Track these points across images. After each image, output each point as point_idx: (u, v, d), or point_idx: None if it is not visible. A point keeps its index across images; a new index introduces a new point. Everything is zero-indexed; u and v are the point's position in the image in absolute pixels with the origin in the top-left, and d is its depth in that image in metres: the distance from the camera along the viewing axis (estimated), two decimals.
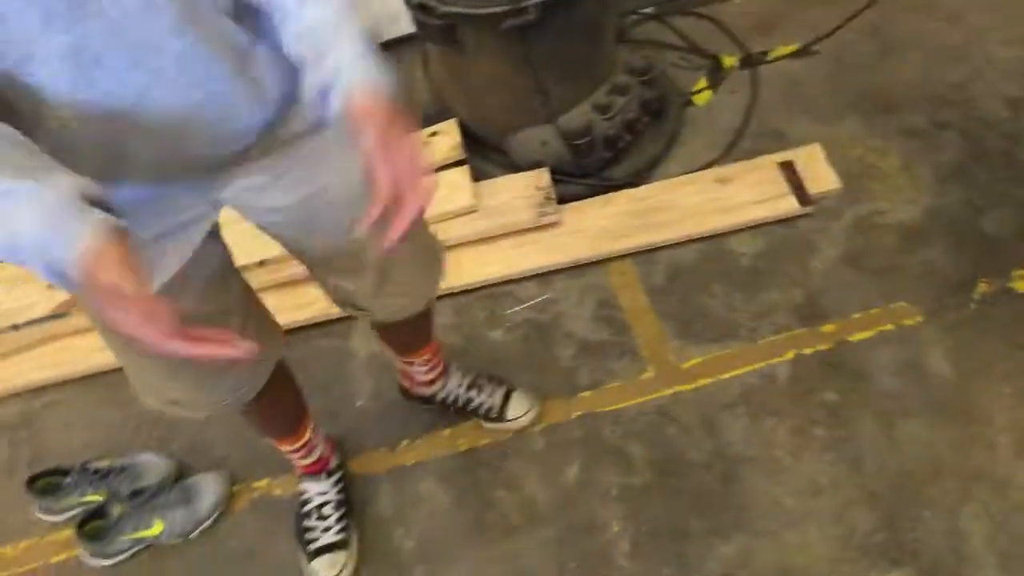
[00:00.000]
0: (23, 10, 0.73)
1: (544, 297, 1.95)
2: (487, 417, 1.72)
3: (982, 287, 1.78)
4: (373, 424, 1.81)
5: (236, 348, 0.75)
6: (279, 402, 1.45)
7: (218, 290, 1.13)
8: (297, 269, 1.52)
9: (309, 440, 1.58)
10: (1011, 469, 1.54)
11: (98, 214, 0.70)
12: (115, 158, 0.87)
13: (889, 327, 1.77)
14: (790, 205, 1.97)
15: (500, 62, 1.92)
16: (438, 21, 1.84)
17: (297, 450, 1.57)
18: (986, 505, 1.51)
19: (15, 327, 1.94)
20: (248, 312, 1.21)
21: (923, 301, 1.79)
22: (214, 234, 1.11)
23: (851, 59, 2.29)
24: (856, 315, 1.80)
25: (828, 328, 1.79)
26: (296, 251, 1.21)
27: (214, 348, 0.74)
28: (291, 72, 0.92)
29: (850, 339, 1.76)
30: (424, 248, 1.33)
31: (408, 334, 1.57)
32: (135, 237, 0.74)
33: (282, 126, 0.99)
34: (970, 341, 1.71)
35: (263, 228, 1.15)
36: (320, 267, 1.25)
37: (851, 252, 1.90)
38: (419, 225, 1.28)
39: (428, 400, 1.75)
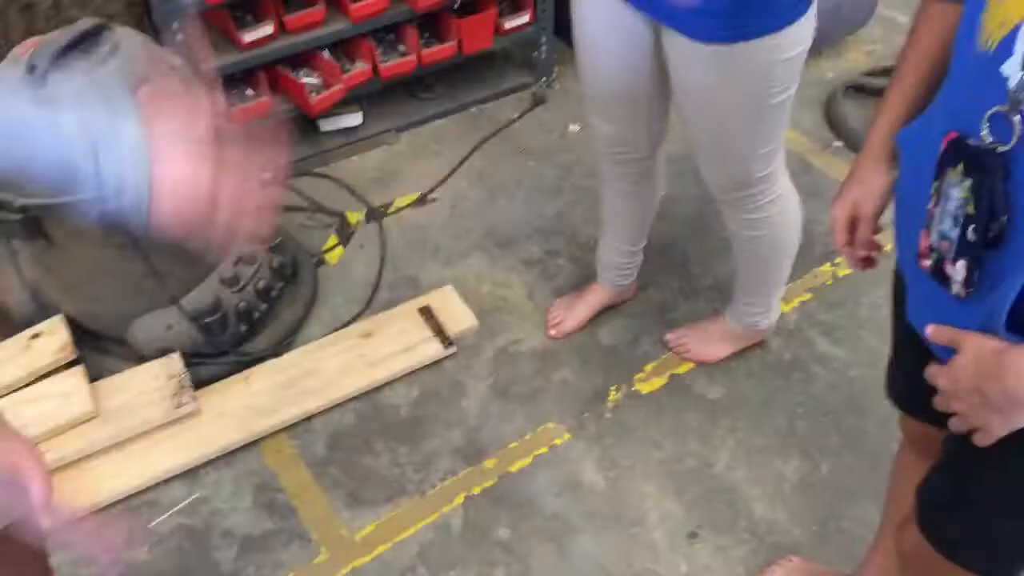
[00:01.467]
0: None
1: (193, 497, 1.76)
2: None
3: (613, 395, 1.95)
4: None
5: None
6: None
7: None
8: None
9: None
10: (671, 560, 1.66)
11: None
12: None
13: (543, 450, 1.85)
14: (434, 349, 2.02)
15: (101, 249, 1.77)
16: (17, 216, 1.65)
17: None
18: None
19: None
20: None
21: (567, 419, 1.90)
22: None
23: (465, 203, 2.46)
24: (513, 444, 1.86)
25: (490, 463, 1.83)
26: None
27: None
28: None
29: (511, 470, 1.81)
30: None
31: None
32: None
33: None
34: (612, 448, 1.85)
35: None
36: None
37: (497, 384, 1.98)
38: None
39: None
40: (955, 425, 0.88)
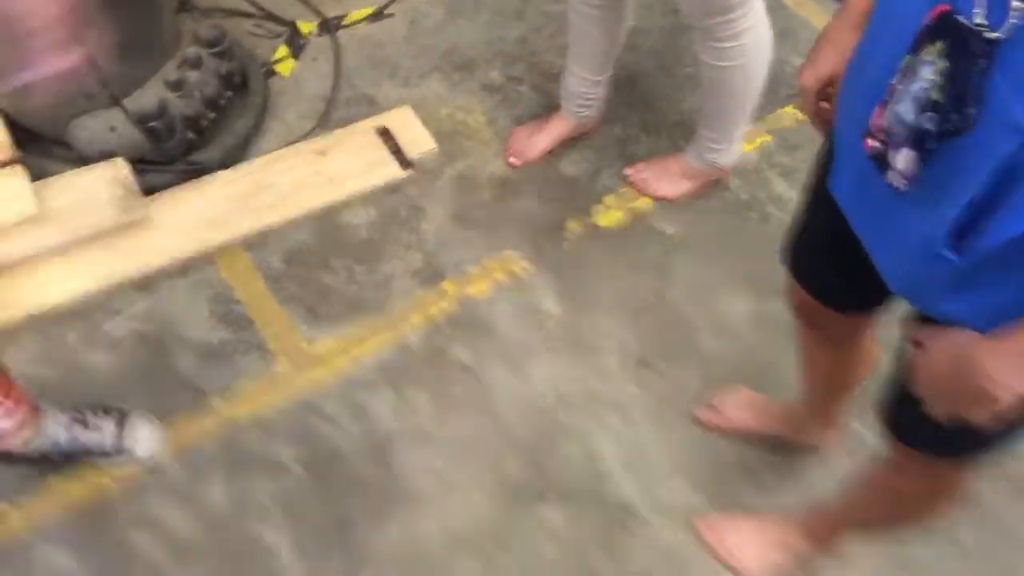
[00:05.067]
0: None
1: (148, 305, 1.72)
2: (102, 456, 1.49)
3: (572, 226, 1.96)
4: None
5: None
6: None
7: None
8: None
9: None
10: (622, 388, 1.73)
11: None
12: None
13: (501, 277, 1.87)
14: (392, 170, 1.97)
15: None
16: None
17: None
18: (609, 424, 1.68)
19: None
20: None
21: (526, 247, 1.91)
22: None
23: (424, 21, 2.33)
24: (471, 269, 1.87)
25: (448, 287, 1.84)
26: None
27: None
28: None
29: (470, 294, 1.83)
30: None
31: None
32: None
33: None
34: (570, 278, 1.87)
35: None
36: None
37: (455, 209, 1.96)
38: None
39: (22, 456, 1.45)
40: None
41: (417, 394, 1.68)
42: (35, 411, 1.43)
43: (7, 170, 1.70)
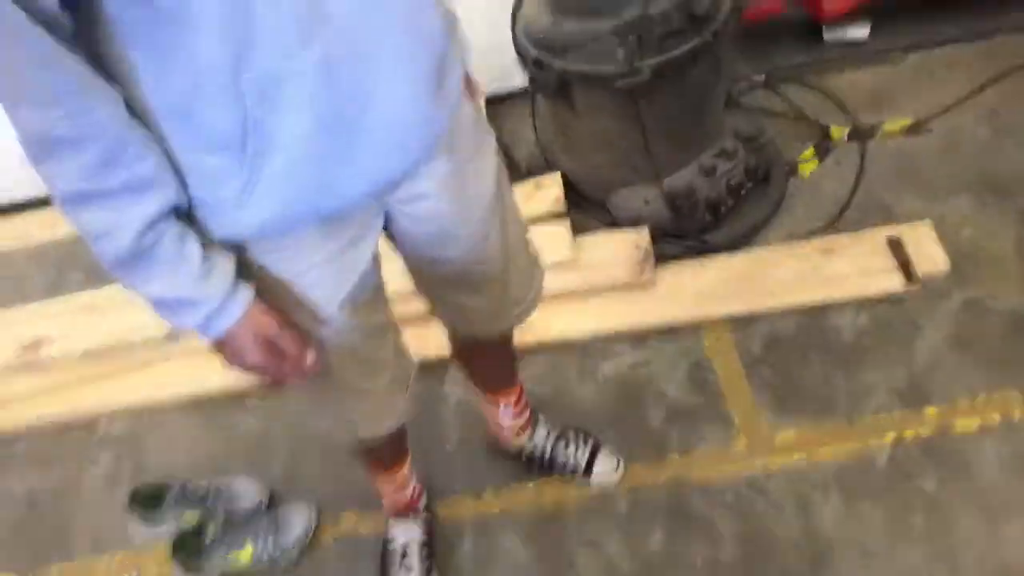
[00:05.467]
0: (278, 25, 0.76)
1: (636, 357, 1.94)
2: (572, 473, 1.72)
3: None
4: (461, 470, 1.82)
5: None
6: (395, 432, 1.40)
7: (381, 304, 1.16)
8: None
9: (405, 476, 1.61)
10: None
11: (245, 291, 0.92)
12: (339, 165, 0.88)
13: (996, 418, 1.70)
14: (895, 282, 1.92)
15: (610, 120, 1.96)
16: (552, 77, 1.88)
17: (393, 485, 1.60)
18: None
19: (129, 346, 2.05)
20: (396, 331, 1.25)
21: None
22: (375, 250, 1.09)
23: (965, 139, 2.23)
24: (961, 402, 1.74)
25: (931, 413, 1.73)
26: (427, 266, 1.16)
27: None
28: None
29: (954, 426, 1.70)
30: (530, 255, 1.34)
31: (496, 365, 1.60)
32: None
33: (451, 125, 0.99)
34: None
35: (401, 241, 1.12)
36: (444, 285, 1.21)
37: (958, 336, 1.84)
38: (525, 233, 1.31)
39: (515, 455, 1.75)
40: None
41: (870, 511, 1.61)
42: (532, 419, 1.71)
43: (558, 221, 2.07)
